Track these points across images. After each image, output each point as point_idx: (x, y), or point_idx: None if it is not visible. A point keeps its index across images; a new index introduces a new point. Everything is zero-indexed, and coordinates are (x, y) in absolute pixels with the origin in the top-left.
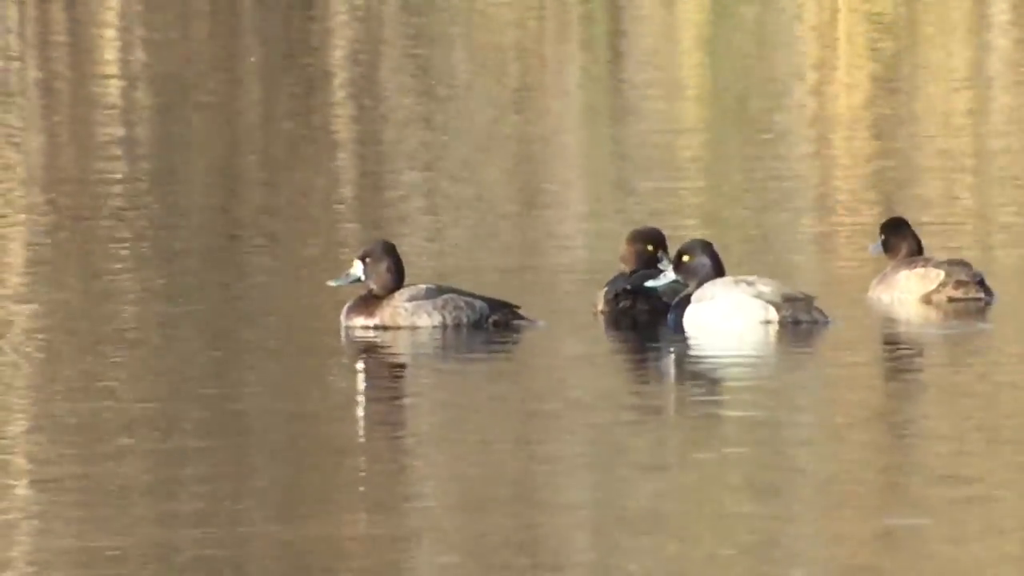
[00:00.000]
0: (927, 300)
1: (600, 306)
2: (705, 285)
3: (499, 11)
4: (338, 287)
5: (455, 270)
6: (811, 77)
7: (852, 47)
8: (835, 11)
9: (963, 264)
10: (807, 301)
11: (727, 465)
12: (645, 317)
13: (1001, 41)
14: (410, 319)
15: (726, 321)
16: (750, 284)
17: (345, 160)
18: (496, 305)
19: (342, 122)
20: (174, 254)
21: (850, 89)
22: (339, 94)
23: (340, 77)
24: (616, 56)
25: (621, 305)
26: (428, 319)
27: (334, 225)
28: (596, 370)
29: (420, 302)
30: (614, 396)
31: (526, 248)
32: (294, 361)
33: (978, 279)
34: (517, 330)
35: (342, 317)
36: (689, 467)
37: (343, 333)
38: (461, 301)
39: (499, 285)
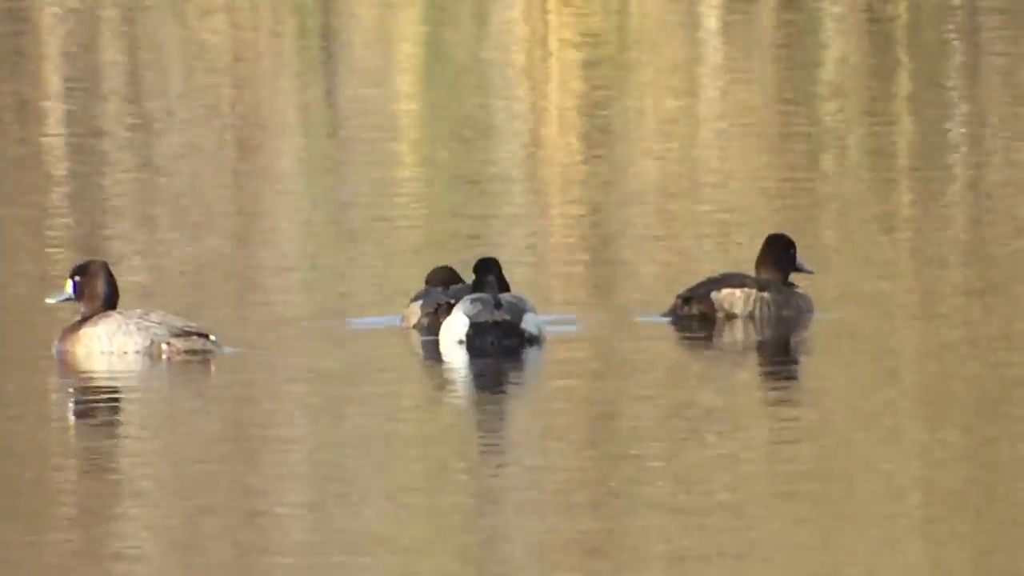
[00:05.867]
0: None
1: (413, 320)
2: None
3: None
4: (56, 304)
5: (175, 293)
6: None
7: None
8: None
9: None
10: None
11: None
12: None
13: (713, 47)
14: (88, 345)
15: (441, 338)
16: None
17: (61, 176)
18: (183, 333)
19: (56, 140)
20: None
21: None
22: (51, 106)
23: (53, 86)
24: (330, 60)
25: (434, 318)
26: (98, 345)
27: (51, 243)
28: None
29: (94, 328)
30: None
31: (245, 271)
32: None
33: (685, 295)
34: (201, 356)
35: (56, 343)
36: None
37: (55, 355)
38: (133, 326)
39: (214, 310)
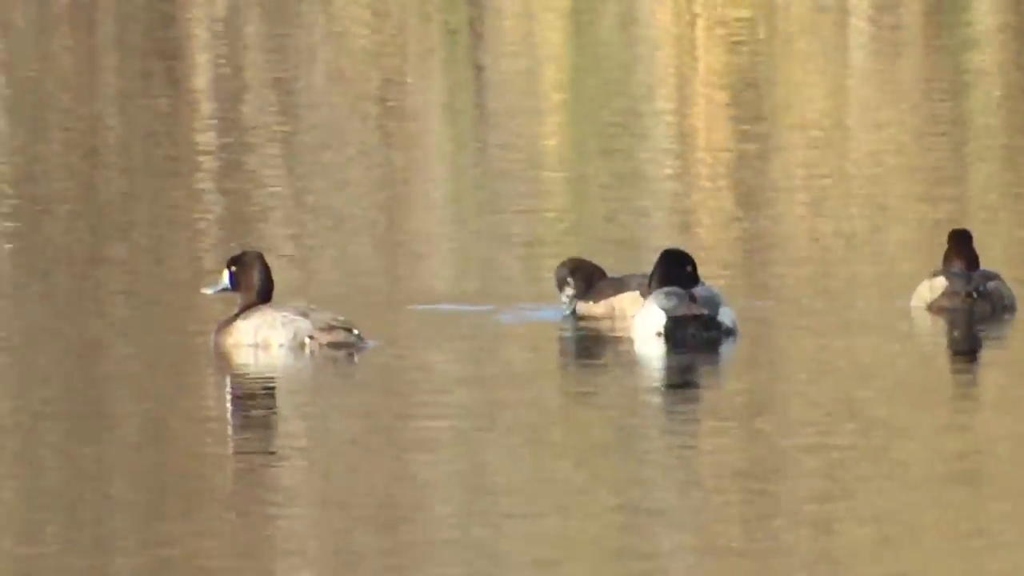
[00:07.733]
0: (931, 308)
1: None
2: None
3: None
4: (213, 295)
5: (322, 286)
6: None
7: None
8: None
9: (973, 276)
10: (700, 318)
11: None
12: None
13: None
14: (237, 338)
15: (634, 331)
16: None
17: (209, 174)
18: (327, 327)
19: (205, 138)
20: (39, 269)
21: (708, 109)
22: (201, 109)
23: (202, 93)
24: (478, 72)
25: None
26: (245, 338)
27: (202, 236)
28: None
29: (245, 322)
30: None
31: (386, 269)
32: (163, 375)
33: (973, 291)
34: (344, 350)
35: (212, 335)
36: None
37: (213, 349)
38: (279, 320)
39: (358, 304)
